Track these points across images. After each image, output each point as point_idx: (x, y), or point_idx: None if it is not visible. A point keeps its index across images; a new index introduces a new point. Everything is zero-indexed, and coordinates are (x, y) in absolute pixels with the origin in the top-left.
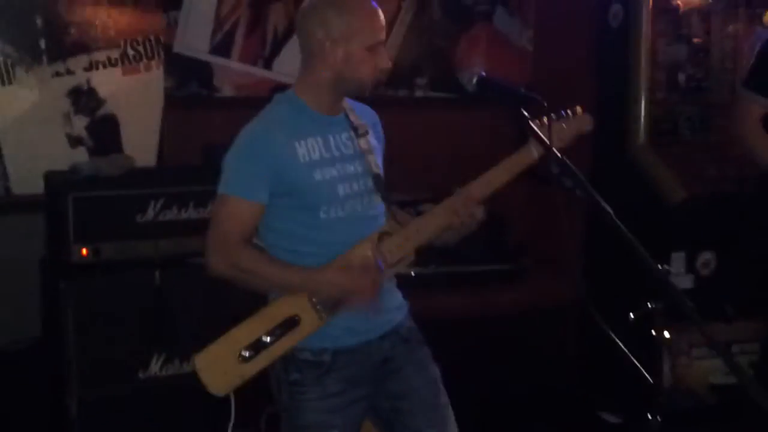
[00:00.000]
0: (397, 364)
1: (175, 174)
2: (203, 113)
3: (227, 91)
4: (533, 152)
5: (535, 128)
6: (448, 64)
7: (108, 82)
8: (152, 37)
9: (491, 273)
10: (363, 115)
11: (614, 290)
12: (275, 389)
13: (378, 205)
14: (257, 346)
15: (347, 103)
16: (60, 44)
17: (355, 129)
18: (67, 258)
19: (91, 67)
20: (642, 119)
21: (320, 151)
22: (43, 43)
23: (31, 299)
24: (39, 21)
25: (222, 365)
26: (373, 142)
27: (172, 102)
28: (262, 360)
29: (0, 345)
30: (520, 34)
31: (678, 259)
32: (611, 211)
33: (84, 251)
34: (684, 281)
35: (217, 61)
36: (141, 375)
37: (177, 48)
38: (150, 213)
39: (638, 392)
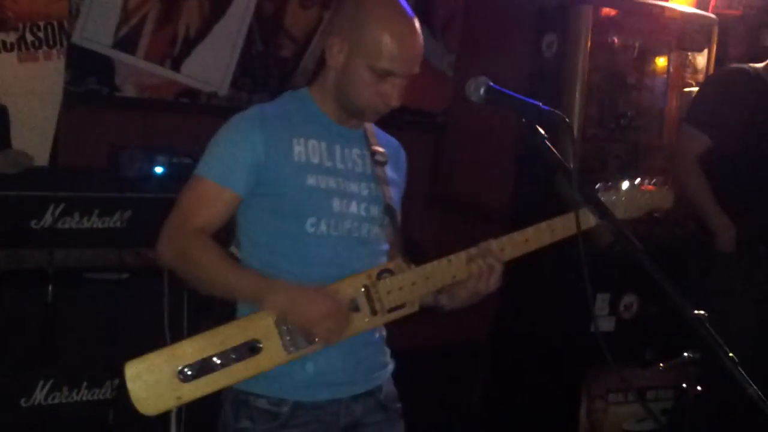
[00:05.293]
0: None
1: (78, 177)
2: (101, 113)
3: (129, 90)
4: (590, 219)
5: (600, 195)
6: None
7: (1, 69)
8: (55, 23)
9: None
10: (387, 144)
11: (526, 330)
12: None
13: (382, 239)
14: (204, 367)
15: (371, 126)
16: None
17: (371, 151)
18: None
19: None
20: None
21: (321, 156)
22: None
23: None
24: None
25: (157, 379)
26: (392, 174)
27: (67, 97)
28: (206, 385)
29: None
30: (441, 57)
31: (602, 301)
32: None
33: None
34: (606, 323)
35: (120, 56)
36: (23, 403)
37: (76, 39)
38: (47, 219)
39: None
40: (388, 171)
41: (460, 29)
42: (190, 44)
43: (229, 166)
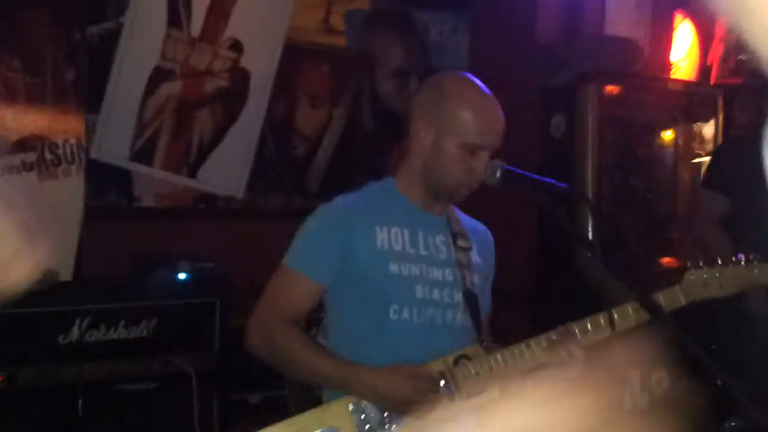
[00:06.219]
0: None
1: (103, 289)
2: (122, 224)
3: (148, 200)
4: (680, 298)
5: (691, 275)
6: (380, 174)
7: (22, 189)
8: (73, 141)
9: None
10: (473, 231)
11: None
12: None
13: (464, 324)
14: None
15: (455, 211)
16: None
17: (454, 237)
18: None
19: (4, 171)
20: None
21: (404, 243)
22: None
23: None
24: None
25: None
26: (477, 259)
27: (87, 211)
28: None
29: None
30: None
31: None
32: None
33: None
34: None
35: (137, 168)
36: None
37: (94, 154)
38: (74, 333)
39: None
40: (473, 256)
41: None
42: (204, 151)
43: (314, 257)
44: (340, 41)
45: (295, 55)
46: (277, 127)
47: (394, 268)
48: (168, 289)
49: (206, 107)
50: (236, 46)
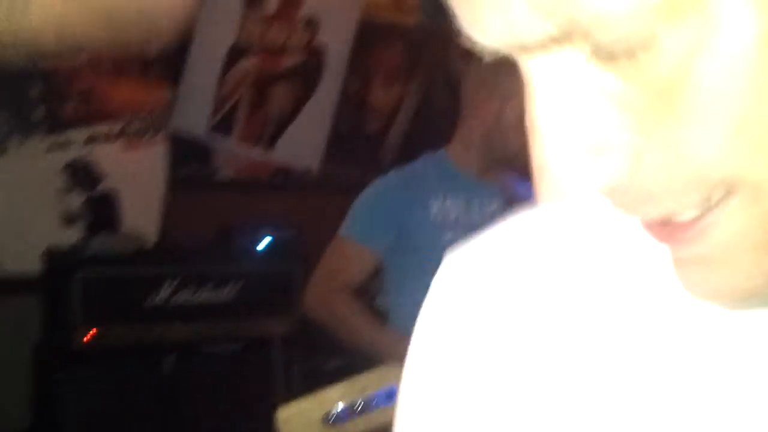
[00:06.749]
0: None
1: (190, 253)
2: (202, 194)
3: (226, 172)
4: None
5: None
6: None
7: (109, 157)
8: (157, 112)
9: None
10: (528, 192)
11: None
12: None
13: None
14: (347, 412)
15: (510, 176)
16: (58, 115)
17: (508, 201)
18: (68, 343)
19: (92, 140)
20: None
21: (458, 213)
22: (39, 114)
23: (17, 390)
24: (36, 89)
25: (306, 422)
26: None
27: (170, 182)
28: (349, 429)
29: None
30: None
31: None
32: None
33: (88, 336)
34: None
35: (216, 141)
36: None
37: (175, 126)
38: (162, 295)
39: None
40: None
41: None
42: (281, 125)
43: (369, 228)
44: (415, 18)
45: (369, 32)
46: (352, 103)
47: (448, 236)
48: (251, 256)
49: (283, 82)
50: (312, 23)
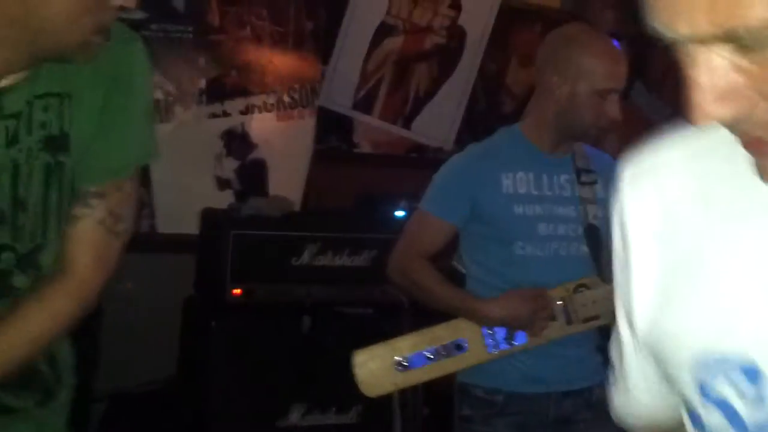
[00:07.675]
0: (578, 429)
1: (332, 219)
2: (342, 166)
3: (365, 147)
4: None
5: None
6: None
7: (262, 127)
8: (308, 86)
9: None
10: (599, 164)
11: None
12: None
13: (585, 256)
14: (417, 360)
15: (582, 147)
16: (219, 86)
17: (578, 174)
18: (221, 297)
19: (248, 110)
20: None
21: (528, 186)
22: (203, 84)
23: (168, 339)
24: (202, 61)
25: (378, 366)
26: (602, 193)
27: (315, 153)
28: (418, 374)
29: (133, 385)
30: (658, 110)
31: None
32: None
33: (238, 291)
34: None
35: (358, 116)
36: (280, 423)
37: (323, 100)
38: (305, 257)
39: None
40: (598, 190)
41: (677, 81)
42: (420, 103)
43: (446, 201)
44: (554, 2)
45: (509, 15)
46: (489, 84)
47: (518, 210)
48: (388, 224)
49: (424, 62)
50: (455, 4)
